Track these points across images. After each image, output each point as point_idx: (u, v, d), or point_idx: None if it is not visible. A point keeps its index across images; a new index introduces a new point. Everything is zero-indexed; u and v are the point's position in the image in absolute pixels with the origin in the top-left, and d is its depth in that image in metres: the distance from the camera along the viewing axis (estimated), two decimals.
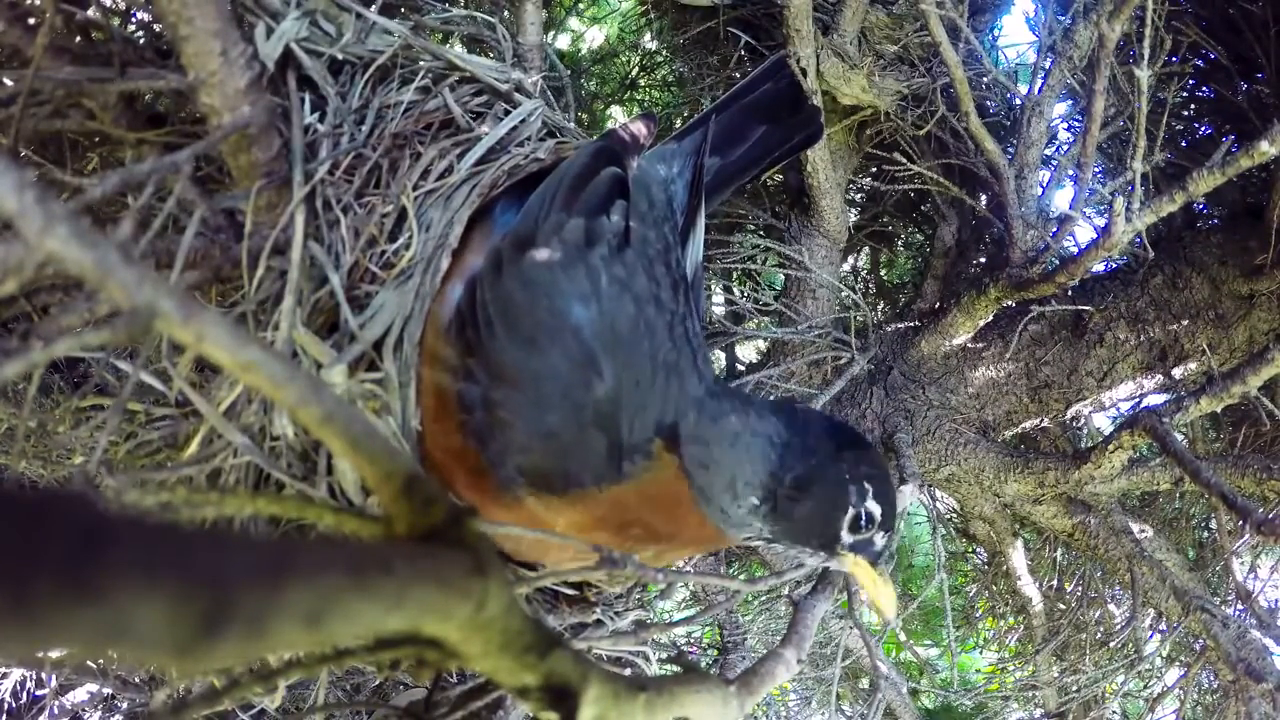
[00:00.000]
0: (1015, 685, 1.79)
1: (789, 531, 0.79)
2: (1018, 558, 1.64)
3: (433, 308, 0.80)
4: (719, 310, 1.67)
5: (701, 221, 0.93)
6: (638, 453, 0.76)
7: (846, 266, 2.14)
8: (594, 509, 0.76)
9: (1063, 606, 1.73)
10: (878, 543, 0.79)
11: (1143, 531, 1.42)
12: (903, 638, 2.04)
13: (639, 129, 0.95)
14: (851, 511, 0.77)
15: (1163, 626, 1.53)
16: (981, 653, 2.11)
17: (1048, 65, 1.30)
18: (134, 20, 1.00)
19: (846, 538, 0.78)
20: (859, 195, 2.02)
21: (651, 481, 0.77)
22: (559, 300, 0.75)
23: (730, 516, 0.78)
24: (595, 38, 2.43)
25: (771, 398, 1.41)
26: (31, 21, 0.82)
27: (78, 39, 0.87)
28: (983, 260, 1.76)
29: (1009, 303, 1.34)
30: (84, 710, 1.45)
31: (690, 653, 1.73)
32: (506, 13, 1.30)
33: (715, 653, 1.50)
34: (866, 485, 0.78)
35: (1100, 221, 1.23)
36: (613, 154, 0.87)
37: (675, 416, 0.78)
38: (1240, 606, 1.48)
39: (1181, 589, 1.30)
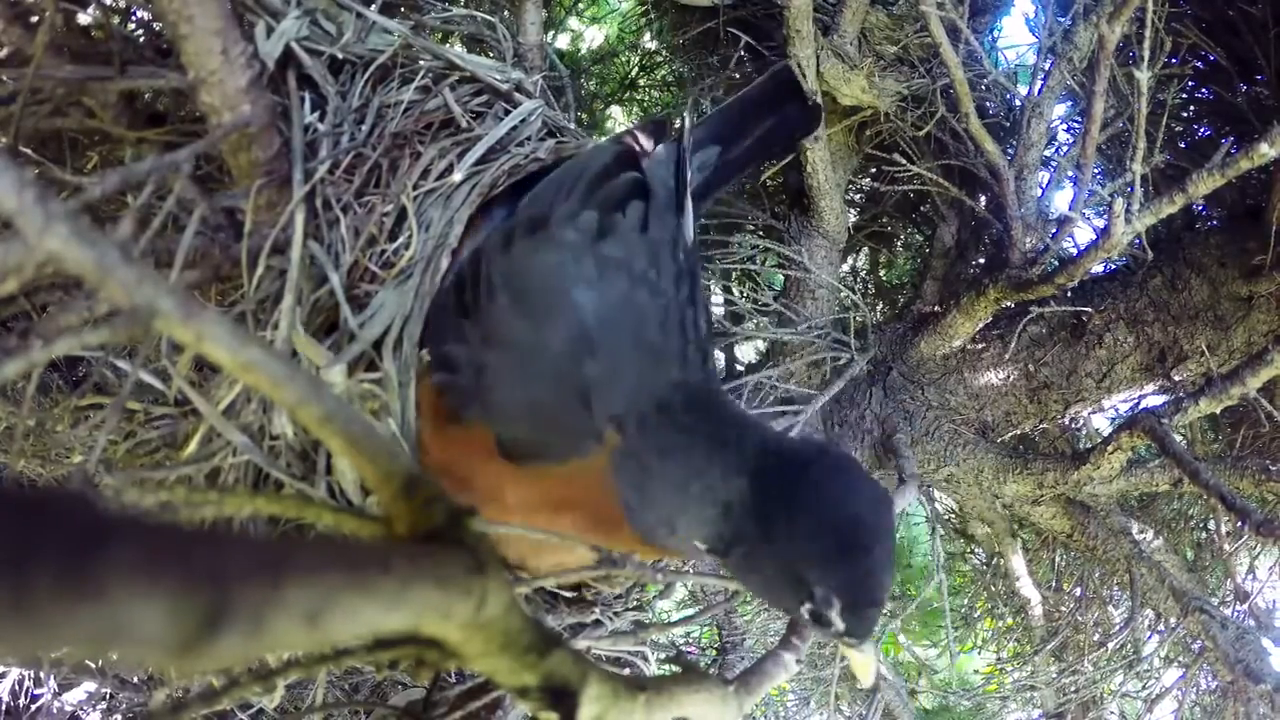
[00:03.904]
0: (1014, 686, 1.79)
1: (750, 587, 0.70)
2: (1016, 558, 1.64)
3: None
4: (718, 311, 1.68)
5: (689, 207, 0.91)
6: (592, 435, 0.71)
7: (846, 267, 2.14)
8: (543, 486, 0.72)
9: (1062, 609, 1.73)
10: (844, 626, 0.64)
11: (1141, 532, 1.42)
12: (901, 639, 2.05)
13: (647, 138, 0.95)
14: (806, 609, 0.64)
15: (1161, 627, 1.53)
16: (980, 653, 2.11)
17: (1047, 66, 1.30)
18: (134, 19, 1.00)
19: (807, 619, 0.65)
20: (858, 196, 2.02)
21: (585, 470, 0.70)
22: (565, 280, 0.75)
23: (672, 544, 0.70)
24: (595, 38, 2.43)
25: (769, 420, 1.40)
26: (32, 20, 0.82)
27: (78, 37, 0.87)
28: (982, 261, 1.76)
29: (1008, 304, 1.34)
30: (83, 710, 1.45)
31: (689, 653, 1.73)
32: (507, 12, 1.30)
33: (714, 653, 1.50)
34: (829, 586, 0.62)
35: (1100, 223, 1.24)
36: (633, 158, 0.87)
37: (630, 407, 0.70)
38: (1239, 607, 1.48)
39: (1180, 590, 1.30)
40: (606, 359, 0.73)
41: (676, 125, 0.99)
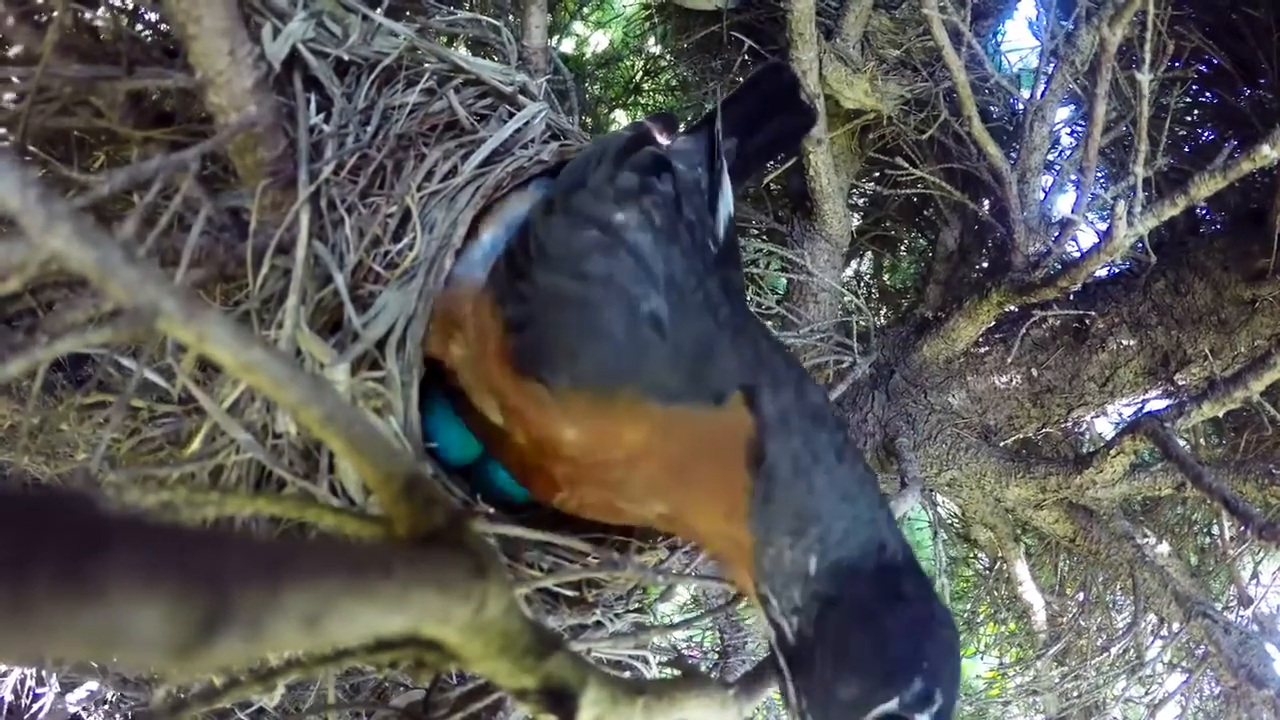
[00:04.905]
0: (1016, 691, 1.78)
1: (800, 674, 0.58)
2: (1019, 563, 1.63)
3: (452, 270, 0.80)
4: None
5: (728, 186, 0.90)
6: (710, 393, 0.65)
7: (849, 271, 2.14)
8: (638, 418, 0.66)
9: (1065, 614, 1.72)
10: None
11: (1145, 537, 1.42)
12: None
13: (658, 130, 0.94)
14: (884, 708, 0.54)
15: (1164, 632, 1.52)
16: (983, 658, 2.11)
17: (1050, 70, 1.30)
18: (142, 19, 1.00)
19: None
20: (861, 200, 2.02)
21: (717, 421, 0.64)
22: (614, 224, 0.73)
23: (769, 553, 0.60)
24: (599, 42, 2.44)
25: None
26: (41, 20, 0.82)
27: (86, 37, 0.88)
28: (985, 265, 1.76)
29: (1011, 307, 1.34)
30: (85, 710, 1.45)
31: (690, 656, 1.73)
32: (511, 16, 1.30)
33: (715, 656, 1.50)
34: (930, 687, 0.54)
35: (1102, 226, 1.24)
36: (650, 137, 0.87)
37: (755, 380, 0.65)
38: (1242, 612, 1.47)
39: (1183, 595, 1.29)
40: (681, 321, 0.69)
41: (695, 118, 0.97)
